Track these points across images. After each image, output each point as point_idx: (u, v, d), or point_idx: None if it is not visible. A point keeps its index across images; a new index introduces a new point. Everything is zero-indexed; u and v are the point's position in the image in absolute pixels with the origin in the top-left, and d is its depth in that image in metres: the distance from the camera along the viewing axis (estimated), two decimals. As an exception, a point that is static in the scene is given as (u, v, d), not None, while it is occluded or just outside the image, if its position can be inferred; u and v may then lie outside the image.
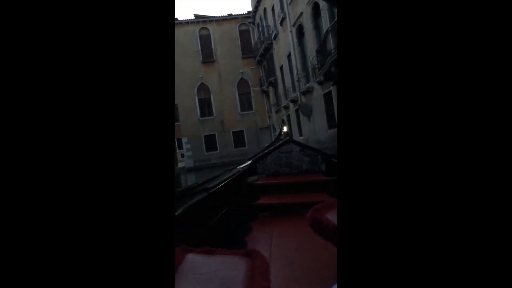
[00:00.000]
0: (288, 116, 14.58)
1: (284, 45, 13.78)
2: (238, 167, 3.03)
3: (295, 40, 12.37)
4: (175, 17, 19.01)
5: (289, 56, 13.39)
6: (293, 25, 12.30)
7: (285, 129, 4.08)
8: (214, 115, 18.36)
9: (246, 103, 18.59)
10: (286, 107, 14.63)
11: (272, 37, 15.35)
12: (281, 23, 13.73)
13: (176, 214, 1.23)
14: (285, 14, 12.95)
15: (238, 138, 18.22)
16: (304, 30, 11.39)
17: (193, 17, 18.97)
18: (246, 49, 18.64)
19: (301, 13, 11.29)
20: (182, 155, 18.81)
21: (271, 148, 3.33)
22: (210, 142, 18.13)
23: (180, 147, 19.36)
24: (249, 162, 3.23)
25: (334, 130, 9.46)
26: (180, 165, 18.69)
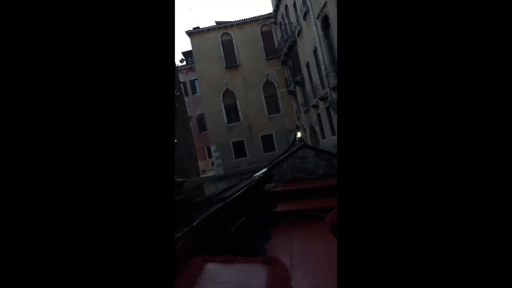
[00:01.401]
0: (319, 115, 13.66)
1: (309, 40, 12.98)
2: (254, 175, 2.96)
3: (321, 33, 11.54)
4: (198, 26, 19.10)
5: (315, 51, 12.57)
6: (317, 17, 11.49)
7: (299, 134, 3.98)
8: (241, 120, 17.94)
9: (273, 106, 17.94)
10: (316, 106, 13.73)
11: (296, 33, 14.63)
12: (304, 18, 12.97)
13: (194, 224, 1.20)
14: (308, 7, 12.19)
15: (267, 142, 17.59)
16: (330, 21, 10.53)
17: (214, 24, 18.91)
18: (270, 51, 18.08)
19: (325, 3, 10.46)
20: (213, 164, 18.63)
21: (286, 154, 3.25)
22: (239, 149, 17.71)
23: (210, 156, 19.22)
24: (264, 169, 3.15)
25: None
26: (211, 173, 18.52)
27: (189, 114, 23.46)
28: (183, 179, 1.28)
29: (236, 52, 18.23)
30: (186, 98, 23.57)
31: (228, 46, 18.30)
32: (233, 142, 17.77)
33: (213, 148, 17.95)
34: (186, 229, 1.10)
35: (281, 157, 3.28)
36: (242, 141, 17.73)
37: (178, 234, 1.03)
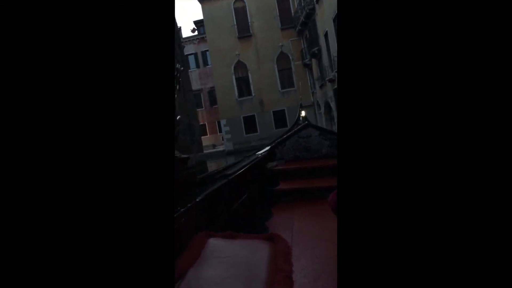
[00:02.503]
0: (335, 90, 12.83)
1: (329, 7, 11.86)
2: (257, 153, 2.95)
3: (342, -2, 10.43)
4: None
5: (335, 19, 11.49)
6: (340, -20, 10.34)
7: (303, 113, 3.92)
8: (253, 94, 17.25)
9: (286, 80, 17.07)
10: (332, 81, 12.86)
11: (315, 0, 13.43)
12: (324, -19, 11.77)
13: (198, 200, 1.21)
14: (329, -31, 10.98)
15: (279, 118, 16.96)
16: (353, -17, 9.40)
17: (227, -10, 17.68)
18: (285, 20, 16.88)
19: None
20: (223, 138, 18.35)
21: (290, 133, 3.25)
22: (250, 124, 17.20)
23: (220, 130, 18.89)
24: (267, 148, 3.14)
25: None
26: (221, 148, 18.29)
27: (200, 87, 22.95)
28: (187, 156, 1.26)
29: (249, 21, 17.15)
30: (197, 70, 22.94)
31: (241, 14, 17.20)
32: (243, 117, 17.23)
33: (223, 122, 17.51)
34: (189, 205, 1.11)
35: (285, 136, 3.23)
36: (253, 116, 17.16)
37: (182, 210, 1.04)
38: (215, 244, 0.97)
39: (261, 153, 2.95)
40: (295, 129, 3.26)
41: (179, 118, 1.19)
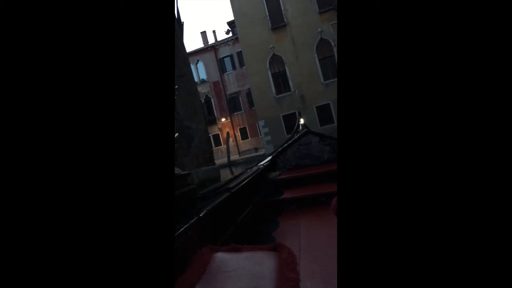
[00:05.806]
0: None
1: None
2: (259, 164, 3.07)
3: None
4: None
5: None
6: None
7: (301, 121, 3.95)
8: (292, 90, 15.47)
9: (329, 69, 14.93)
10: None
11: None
12: None
13: (200, 215, 1.23)
14: None
15: (324, 113, 14.88)
16: None
17: (257, -19, 16.31)
18: (324, 1, 14.83)
19: None
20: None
21: (290, 141, 3.36)
22: (290, 123, 15.44)
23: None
24: (269, 158, 3.25)
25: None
26: (262, 151, 16.88)
27: (238, 89, 21.98)
28: (187, 172, 1.29)
29: (282, 9, 15.47)
30: (234, 72, 22.03)
31: (273, 3, 15.64)
32: (283, 116, 15.53)
33: (261, 123, 16.03)
34: (192, 221, 1.13)
35: (285, 145, 3.35)
36: (294, 114, 15.32)
37: (185, 226, 1.07)
38: (220, 258, 1.01)
39: (262, 164, 2.97)
40: (295, 137, 3.30)
41: (177, 136, 1.16)
